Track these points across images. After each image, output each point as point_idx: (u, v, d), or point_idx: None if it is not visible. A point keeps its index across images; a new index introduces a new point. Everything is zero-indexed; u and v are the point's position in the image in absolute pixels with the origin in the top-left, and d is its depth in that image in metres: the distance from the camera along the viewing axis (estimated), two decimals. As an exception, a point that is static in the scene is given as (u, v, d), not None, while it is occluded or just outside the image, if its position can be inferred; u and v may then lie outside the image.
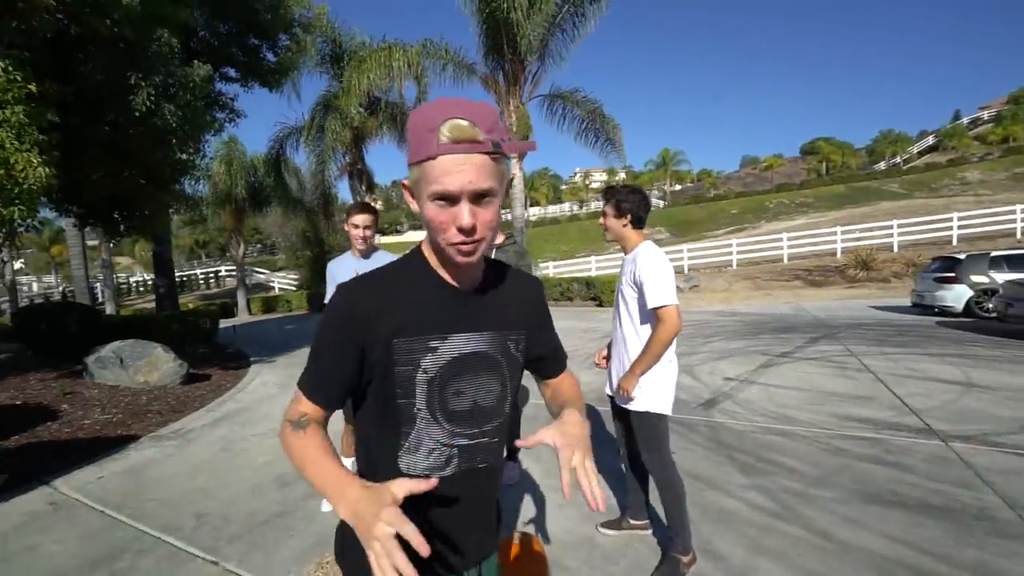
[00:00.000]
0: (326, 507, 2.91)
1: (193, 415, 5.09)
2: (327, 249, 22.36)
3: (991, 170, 40.44)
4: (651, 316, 2.14)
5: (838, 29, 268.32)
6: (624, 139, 14.20)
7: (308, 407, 0.87)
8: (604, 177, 78.32)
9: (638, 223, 2.29)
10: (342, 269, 2.91)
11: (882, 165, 54.35)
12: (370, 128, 15.40)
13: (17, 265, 32.04)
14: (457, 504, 0.90)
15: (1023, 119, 51.84)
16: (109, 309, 18.16)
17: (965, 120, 61.83)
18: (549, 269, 23.57)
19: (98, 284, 23.11)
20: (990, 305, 9.38)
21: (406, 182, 0.84)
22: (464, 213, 0.75)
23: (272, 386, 6.33)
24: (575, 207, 58.03)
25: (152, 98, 4.89)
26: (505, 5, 11.91)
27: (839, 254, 19.88)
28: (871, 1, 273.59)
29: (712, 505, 2.81)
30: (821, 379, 5.50)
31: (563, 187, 73.71)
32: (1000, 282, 9.17)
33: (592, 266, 22.60)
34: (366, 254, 2.92)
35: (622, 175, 72.20)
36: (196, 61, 5.81)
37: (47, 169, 4.07)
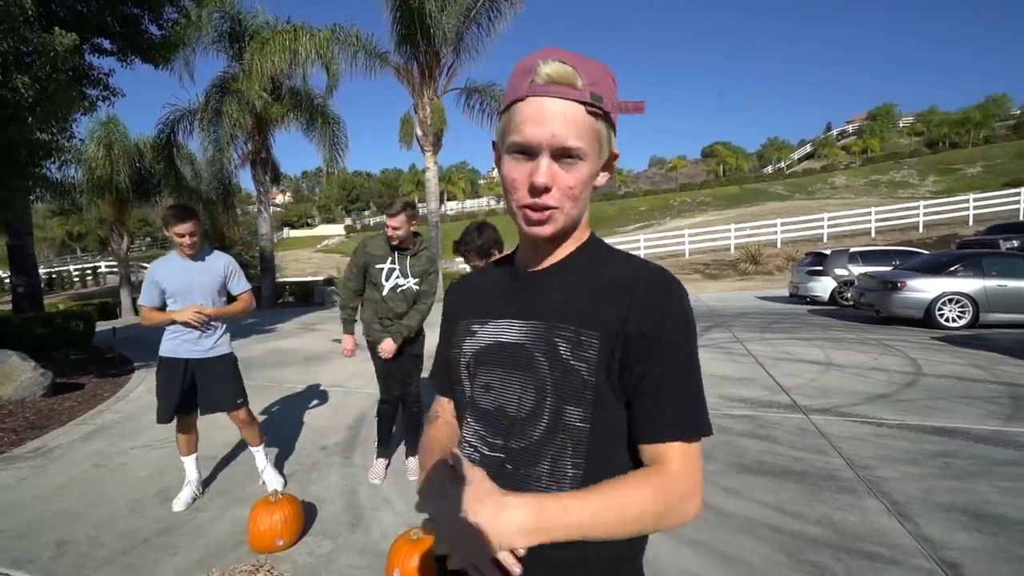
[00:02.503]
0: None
1: (59, 431, 4.49)
2: (228, 243, 20.68)
3: (854, 177, 46.38)
4: None
5: (735, 41, 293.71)
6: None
7: (439, 400, 0.89)
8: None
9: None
10: (169, 272, 2.76)
11: (769, 169, 60.29)
12: (275, 115, 14.40)
13: None
14: None
15: (878, 134, 59.98)
16: (-50, 312, 15.44)
17: (834, 132, 70.22)
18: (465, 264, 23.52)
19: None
20: (848, 294, 10.81)
21: (495, 140, 0.73)
22: (541, 168, 0.64)
23: (159, 393, 5.75)
24: (492, 202, 58.32)
25: (-2, 67, 4.22)
26: (419, -6, 11.67)
27: (732, 249, 21.82)
28: (758, 17, 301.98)
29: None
30: (712, 364, 6.02)
31: (481, 181, 73.75)
32: (856, 274, 10.59)
33: (511, 261, 22.88)
34: (197, 256, 2.80)
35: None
36: (58, 28, 5.09)
37: None
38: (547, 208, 0.66)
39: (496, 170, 0.74)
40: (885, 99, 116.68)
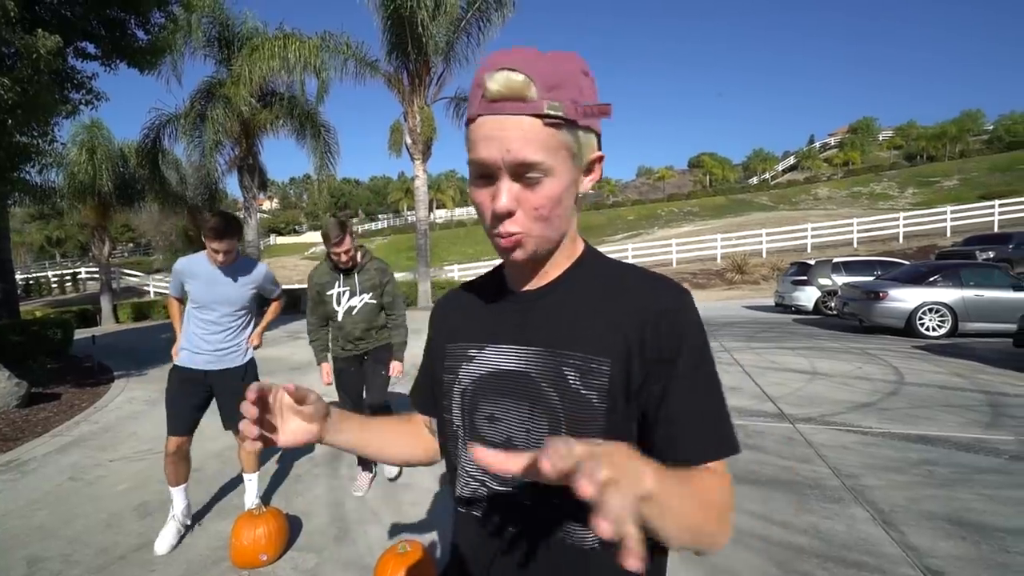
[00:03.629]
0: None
1: (32, 443, 4.36)
2: (213, 250, 20.35)
3: (836, 188, 47.31)
4: None
5: (722, 53, 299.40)
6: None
7: (413, 417, 0.86)
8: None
9: None
10: (196, 276, 2.60)
11: (755, 180, 61.26)
12: (263, 121, 14.30)
13: None
14: (501, 567, 0.66)
15: (859, 147, 61.39)
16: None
17: (817, 144, 71.68)
18: (455, 272, 23.53)
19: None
20: (832, 304, 10.98)
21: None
22: (501, 192, 0.58)
23: (140, 402, 5.62)
24: (484, 210, 58.29)
25: (-23, 69, 4.13)
26: (410, 3, 11.73)
27: (719, 259, 22.08)
28: (744, 30, 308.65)
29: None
30: (699, 373, 6.05)
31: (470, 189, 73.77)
32: (839, 284, 10.77)
33: (499, 269, 22.90)
34: (227, 266, 2.65)
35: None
36: (40, 30, 5.01)
37: None
38: (513, 234, 0.60)
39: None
40: (866, 113, 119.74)
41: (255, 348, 2.82)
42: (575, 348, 0.63)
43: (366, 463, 3.25)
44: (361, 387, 3.18)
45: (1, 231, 8.97)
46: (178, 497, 2.65)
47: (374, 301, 3.02)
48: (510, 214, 0.59)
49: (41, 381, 6.33)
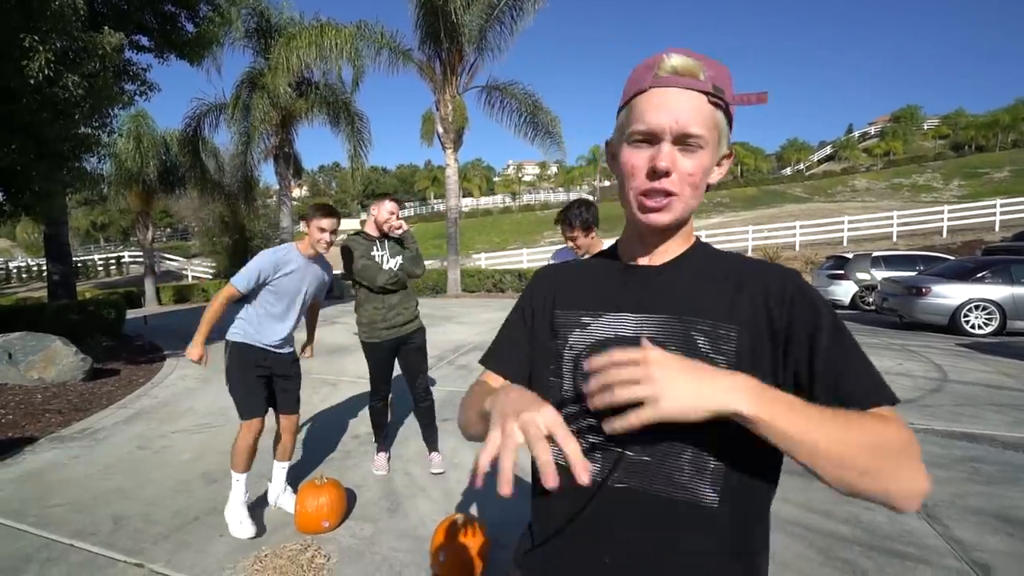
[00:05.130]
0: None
1: (101, 413, 4.68)
2: (248, 235, 21.02)
3: (875, 179, 45.56)
4: None
5: (750, 39, 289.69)
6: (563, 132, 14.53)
7: (487, 376, 0.82)
8: (536, 170, 79.47)
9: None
10: (287, 268, 2.61)
11: (788, 171, 59.45)
12: (299, 109, 14.62)
13: None
14: (610, 528, 0.67)
15: (902, 136, 58.79)
16: (-16, 298, 15.98)
17: (856, 134, 68.94)
18: (481, 260, 23.68)
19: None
20: (870, 299, 10.69)
21: (610, 140, 0.75)
22: (663, 152, 0.65)
23: (192, 379, 5.94)
24: (507, 199, 58.41)
25: (51, 64, 4.38)
26: (443, -8, 11.77)
27: (750, 251, 21.60)
28: (776, 18, 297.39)
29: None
30: (733, 365, 6.04)
31: (496, 179, 73.88)
32: (879, 279, 10.48)
33: (524, 258, 22.98)
34: (316, 257, 2.76)
35: (554, 168, 73.66)
36: (106, 28, 5.27)
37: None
38: (666, 194, 0.66)
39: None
40: (909, 101, 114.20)
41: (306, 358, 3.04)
42: (702, 315, 0.67)
43: (382, 444, 3.38)
44: (393, 370, 3.27)
45: (60, 218, 9.47)
46: (244, 484, 2.61)
47: (403, 261, 3.17)
48: (668, 173, 0.65)
49: (99, 358, 6.73)
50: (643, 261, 0.75)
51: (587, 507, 0.68)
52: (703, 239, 0.79)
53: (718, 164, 0.71)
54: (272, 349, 2.71)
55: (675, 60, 0.65)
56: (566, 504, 0.70)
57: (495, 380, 0.81)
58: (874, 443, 0.55)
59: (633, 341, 0.66)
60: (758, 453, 0.62)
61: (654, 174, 0.65)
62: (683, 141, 0.65)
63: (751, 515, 0.68)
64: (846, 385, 0.61)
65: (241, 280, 2.56)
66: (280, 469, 2.83)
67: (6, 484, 3.22)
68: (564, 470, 0.52)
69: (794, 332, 0.64)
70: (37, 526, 2.67)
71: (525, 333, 0.82)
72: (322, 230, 2.59)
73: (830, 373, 0.61)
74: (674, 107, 0.64)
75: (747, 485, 0.66)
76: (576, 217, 2.67)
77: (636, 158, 0.67)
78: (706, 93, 0.64)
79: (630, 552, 0.66)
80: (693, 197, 0.68)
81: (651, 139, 0.66)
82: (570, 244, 2.75)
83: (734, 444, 0.62)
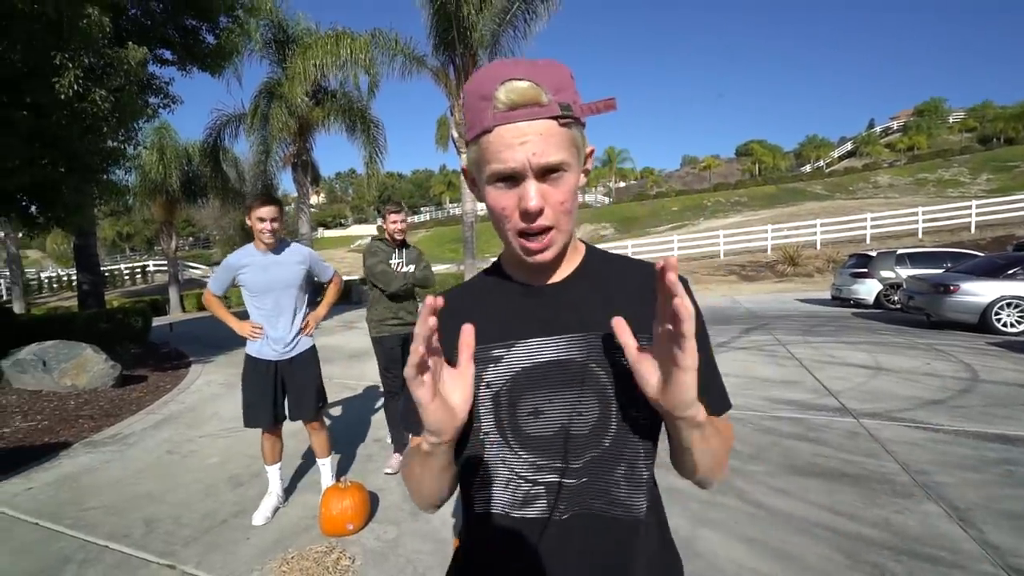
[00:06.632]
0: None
1: (131, 419, 4.82)
2: (268, 243, 21.37)
3: (899, 175, 44.51)
4: None
5: (770, 37, 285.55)
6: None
7: (414, 441, 0.71)
8: (552, 173, 79.17)
9: None
10: (248, 266, 2.65)
11: (808, 168, 58.42)
12: (316, 118, 14.87)
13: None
14: (564, 563, 0.66)
15: (926, 130, 57.39)
16: (17, 308, 16.55)
17: (878, 129, 67.54)
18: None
19: (1, 280, 20.90)
20: (895, 297, 10.44)
21: (464, 166, 0.71)
22: (529, 192, 0.61)
23: (217, 385, 6.08)
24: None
25: (80, 81, 4.55)
26: (456, -1, 11.87)
27: (769, 251, 21.29)
28: (797, 13, 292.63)
29: (660, 484, 3.05)
30: (754, 366, 5.96)
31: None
32: (904, 277, 10.22)
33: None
34: (275, 249, 2.69)
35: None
36: (131, 43, 5.44)
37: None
38: (544, 231, 0.63)
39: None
40: (933, 93, 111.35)
41: (309, 335, 2.85)
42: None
43: (400, 445, 3.46)
44: (401, 364, 3.38)
45: (89, 229, 9.77)
46: (273, 476, 2.89)
47: (415, 271, 3.49)
48: (541, 211, 0.62)
49: (128, 365, 6.92)
50: (544, 280, 0.72)
51: (538, 546, 0.66)
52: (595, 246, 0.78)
53: (583, 172, 0.68)
54: (277, 357, 2.75)
55: (511, 93, 0.59)
56: (515, 549, 0.67)
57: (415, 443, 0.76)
58: (728, 444, 0.70)
59: (554, 365, 0.67)
60: (653, 452, 0.70)
61: (527, 215, 0.62)
62: (546, 173, 0.61)
63: (662, 514, 0.76)
64: (710, 393, 0.66)
65: (213, 283, 2.77)
66: (323, 466, 3.02)
67: (44, 488, 3.33)
68: (514, 522, 0.60)
69: None
70: (74, 528, 2.77)
71: None
72: (261, 219, 2.56)
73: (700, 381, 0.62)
74: (527, 142, 0.60)
75: (654, 486, 0.73)
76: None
77: (504, 200, 0.63)
78: (554, 118, 0.60)
79: (587, 560, 0.66)
80: (569, 221, 0.66)
81: (513, 178, 0.62)
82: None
83: (652, 449, 0.69)
